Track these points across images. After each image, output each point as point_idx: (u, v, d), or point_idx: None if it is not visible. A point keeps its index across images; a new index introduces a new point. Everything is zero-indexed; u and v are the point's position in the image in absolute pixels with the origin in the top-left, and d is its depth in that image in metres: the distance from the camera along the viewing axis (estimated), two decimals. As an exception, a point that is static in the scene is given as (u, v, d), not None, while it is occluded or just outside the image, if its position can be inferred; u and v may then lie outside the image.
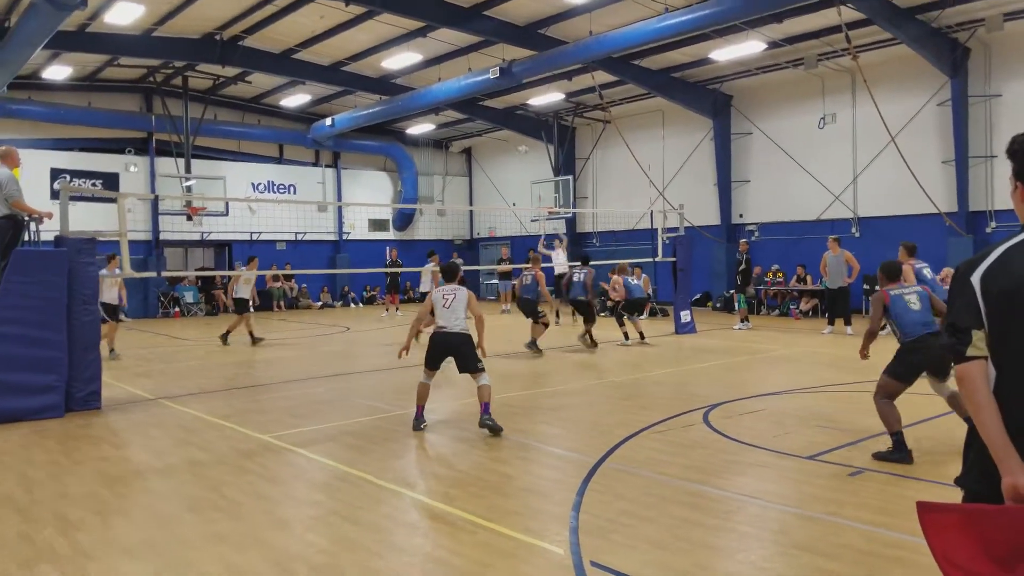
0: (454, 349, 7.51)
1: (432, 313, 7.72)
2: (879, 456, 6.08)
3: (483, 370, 7.44)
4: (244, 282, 15.29)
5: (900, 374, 6.25)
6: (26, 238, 8.75)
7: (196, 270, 25.94)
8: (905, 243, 9.49)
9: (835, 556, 4.12)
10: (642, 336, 14.49)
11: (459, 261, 10.51)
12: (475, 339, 7.60)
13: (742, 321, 16.98)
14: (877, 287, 6.82)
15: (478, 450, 6.63)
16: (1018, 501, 2.06)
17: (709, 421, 7.53)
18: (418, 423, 7.53)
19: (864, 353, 6.66)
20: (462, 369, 7.56)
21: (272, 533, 4.66)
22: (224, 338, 15.15)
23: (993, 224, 17.34)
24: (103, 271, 12.96)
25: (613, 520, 4.74)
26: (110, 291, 13.21)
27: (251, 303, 15.50)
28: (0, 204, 8.40)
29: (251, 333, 15.31)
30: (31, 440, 7.23)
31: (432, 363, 7.57)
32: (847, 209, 19.87)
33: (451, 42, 19.59)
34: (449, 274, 7.99)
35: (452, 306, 7.55)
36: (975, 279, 2.23)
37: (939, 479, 5.48)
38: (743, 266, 17.42)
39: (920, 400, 8.28)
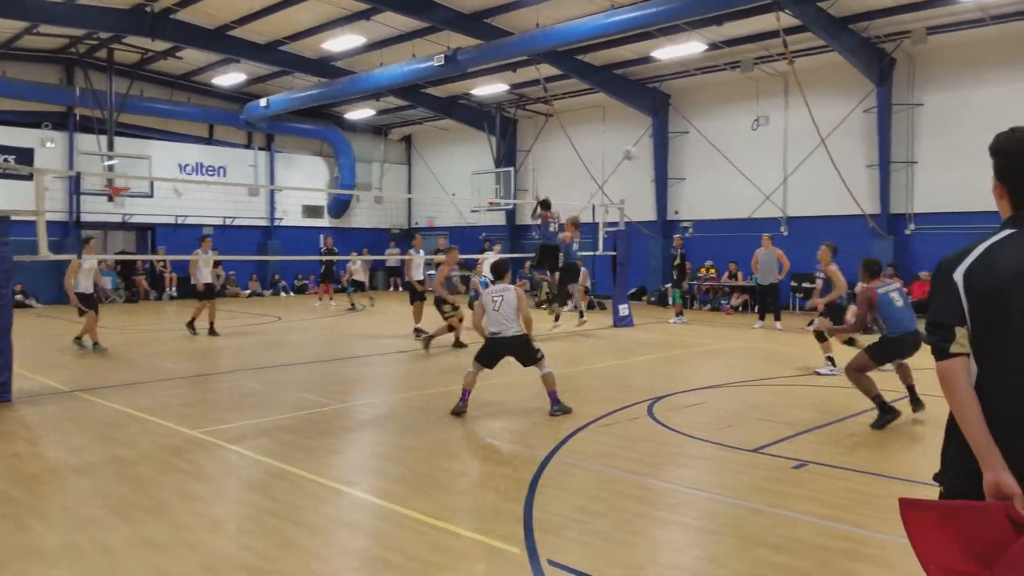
0: (512, 351, 7.68)
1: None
2: (877, 425, 6.75)
3: (543, 358, 7.67)
4: (204, 264, 14.48)
5: (877, 357, 7.07)
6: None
7: (116, 254, 24.77)
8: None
9: (787, 549, 4.14)
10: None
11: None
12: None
13: (677, 315, 17.25)
14: (859, 283, 7.44)
15: (422, 446, 6.44)
16: (999, 498, 2.06)
17: (653, 414, 7.54)
18: (459, 407, 7.56)
19: (844, 340, 7.63)
20: (526, 365, 7.73)
21: (205, 535, 4.38)
22: (211, 331, 14.22)
23: (912, 226, 18.13)
24: (82, 256, 12.10)
25: (566, 516, 4.66)
26: (87, 279, 12.16)
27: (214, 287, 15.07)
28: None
29: (199, 321, 14.47)
30: (-65, 433, 6.71)
31: (485, 361, 7.70)
32: (777, 208, 20.41)
33: (396, 26, 19.20)
34: (497, 272, 8.08)
35: (501, 308, 7.63)
36: (958, 276, 2.21)
37: (878, 471, 5.61)
38: (678, 261, 17.68)
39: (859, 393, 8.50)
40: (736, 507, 4.84)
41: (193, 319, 14.37)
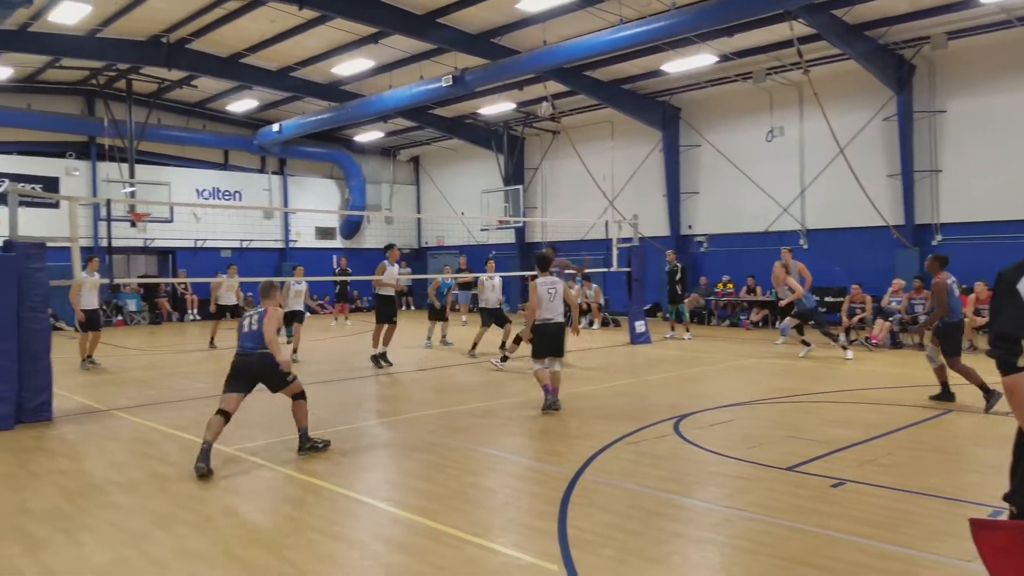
0: (557, 338, 8.64)
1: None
2: (987, 408, 8.04)
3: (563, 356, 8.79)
4: (227, 288, 15.84)
5: (951, 350, 8.43)
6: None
7: (139, 277, 25.16)
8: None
9: (831, 569, 4.08)
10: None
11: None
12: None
13: (686, 331, 17.25)
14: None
15: (450, 463, 6.47)
16: None
17: (681, 432, 7.51)
18: (548, 403, 8.44)
19: (929, 328, 8.82)
20: (556, 356, 8.70)
21: (247, 549, 4.45)
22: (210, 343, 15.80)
23: (939, 237, 17.81)
24: (83, 273, 12.38)
25: (601, 534, 4.64)
26: (89, 296, 12.69)
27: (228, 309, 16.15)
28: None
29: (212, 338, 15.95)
30: (-18, 453, 6.85)
31: (543, 352, 8.61)
32: (795, 221, 20.31)
33: (403, 49, 19.42)
34: (544, 265, 8.95)
35: (555, 299, 8.67)
36: (1022, 287, 2.14)
37: (920, 490, 5.51)
38: (679, 276, 17.58)
39: (895, 410, 8.49)
40: (774, 526, 4.77)
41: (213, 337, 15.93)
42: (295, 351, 13.19)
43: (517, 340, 12.05)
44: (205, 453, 6.15)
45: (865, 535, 4.59)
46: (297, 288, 13.57)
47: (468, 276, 19.31)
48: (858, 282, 16.15)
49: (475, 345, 14.22)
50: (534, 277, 9.20)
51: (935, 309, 8.50)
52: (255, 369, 6.60)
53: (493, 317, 14.19)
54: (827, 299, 18.90)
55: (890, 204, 18.23)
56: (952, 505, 5.17)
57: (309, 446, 6.72)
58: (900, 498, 5.34)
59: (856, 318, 15.71)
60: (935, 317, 8.49)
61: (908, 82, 17.74)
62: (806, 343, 13.70)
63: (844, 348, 13.41)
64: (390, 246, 13.22)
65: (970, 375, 8.18)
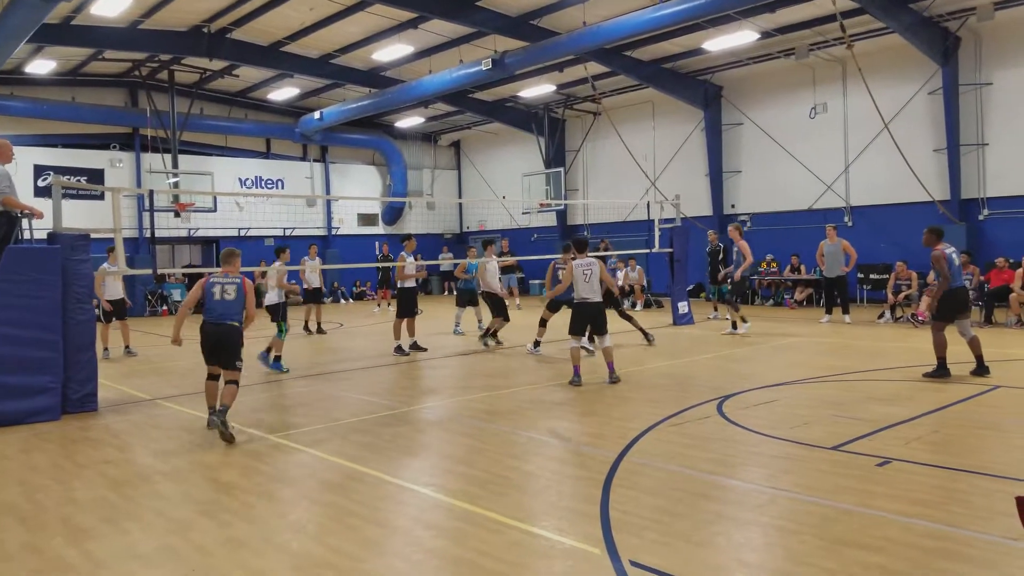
0: (594, 317, 9.10)
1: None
2: (928, 375, 8.72)
3: (608, 332, 9.21)
4: (311, 271, 16.26)
5: (941, 316, 8.73)
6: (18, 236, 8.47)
7: (184, 267, 25.63)
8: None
9: (878, 549, 4.02)
10: None
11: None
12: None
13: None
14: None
15: (491, 447, 6.47)
16: None
17: (724, 412, 7.42)
18: (576, 380, 9.04)
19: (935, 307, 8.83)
20: (597, 334, 9.27)
21: (291, 536, 4.49)
22: (319, 329, 16.40)
23: (986, 211, 17.41)
24: (104, 264, 12.67)
25: (644, 517, 4.61)
26: (114, 286, 12.95)
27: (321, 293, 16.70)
28: (-9, 200, 8.13)
29: (317, 323, 16.56)
30: (30, 444, 7.02)
31: (579, 330, 9.19)
32: (839, 198, 19.91)
33: (443, 33, 19.39)
34: (580, 247, 9.40)
35: (591, 280, 9.04)
36: None
37: (966, 467, 5.41)
38: (722, 256, 17.27)
39: (942, 387, 8.29)
40: (820, 506, 4.72)
41: (307, 322, 16.58)
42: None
43: (543, 322, 12.17)
44: (216, 414, 6.81)
45: (911, 514, 4.51)
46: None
47: (510, 260, 19.19)
48: (903, 259, 15.79)
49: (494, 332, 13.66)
50: (570, 257, 9.67)
51: (940, 281, 8.77)
52: (223, 339, 7.07)
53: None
54: (872, 276, 18.52)
55: (936, 179, 17.82)
56: (1000, 483, 5.07)
57: (223, 421, 6.72)
58: (947, 476, 5.26)
59: (902, 295, 15.41)
60: (941, 288, 8.72)
61: (953, 55, 17.27)
62: (744, 320, 13.95)
63: (744, 322, 13.93)
64: (407, 237, 12.97)
65: (973, 345, 8.78)
